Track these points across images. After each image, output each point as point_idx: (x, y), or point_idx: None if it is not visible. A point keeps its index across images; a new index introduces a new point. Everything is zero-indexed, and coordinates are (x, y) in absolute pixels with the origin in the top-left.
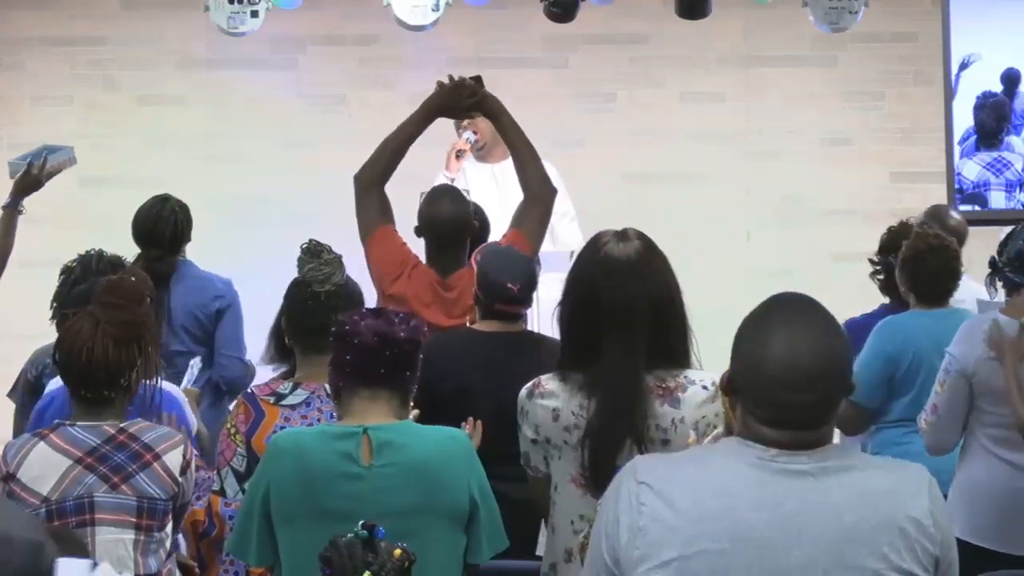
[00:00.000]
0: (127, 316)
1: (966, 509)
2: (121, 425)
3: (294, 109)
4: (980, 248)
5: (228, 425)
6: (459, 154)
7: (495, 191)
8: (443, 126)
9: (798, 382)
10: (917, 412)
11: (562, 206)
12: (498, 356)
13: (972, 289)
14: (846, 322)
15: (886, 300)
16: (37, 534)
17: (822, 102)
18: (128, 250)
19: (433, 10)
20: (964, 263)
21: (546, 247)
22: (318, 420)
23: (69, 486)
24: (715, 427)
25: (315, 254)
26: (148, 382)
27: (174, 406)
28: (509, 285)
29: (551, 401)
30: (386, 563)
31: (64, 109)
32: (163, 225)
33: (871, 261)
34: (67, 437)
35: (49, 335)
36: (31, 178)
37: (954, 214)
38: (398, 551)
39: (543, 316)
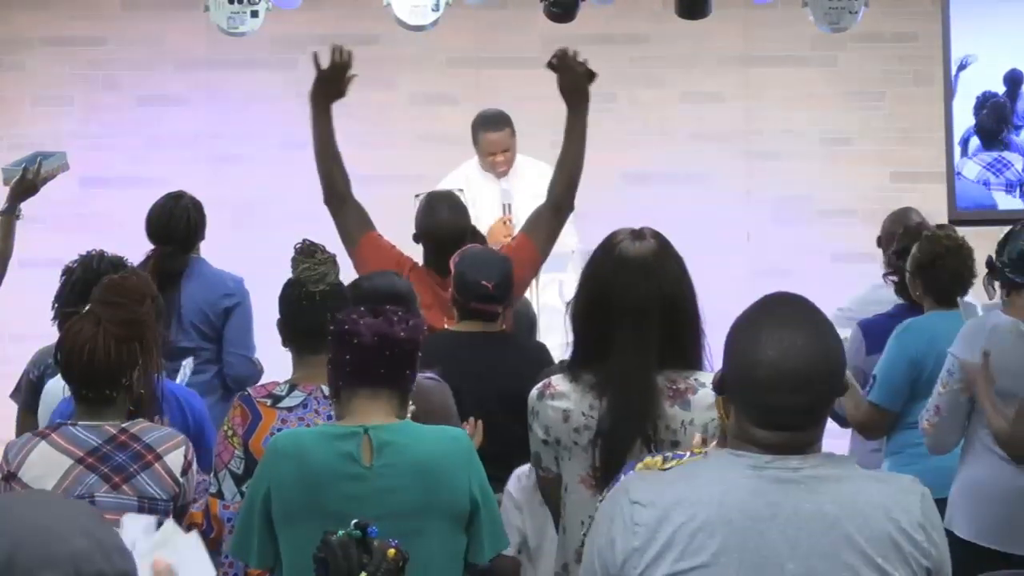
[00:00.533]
0: (128, 315)
1: (968, 509)
2: (122, 425)
3: (294, 109)
4: (980, 248)
5: (225, 427)
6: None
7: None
8: (438, 125)
9: (790, 383)
10: None
11: None
12: (478, 356)
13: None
14: (861, 322)
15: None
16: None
17: (822, 102)
18: (128, 250)
19: (433, 10)
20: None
21: None
22: (315, 422)
23: (70, 486)
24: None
25: (309, 254)
26: (149, 387)
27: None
28: (484, 283)
29: (562, 402)
30: (381, 564)
31: (64, 109)
32: (176, 222)
33: (889, 262)
34: (68, 437)
35: (50, 335)
36: (27, 183)
37: (915, 216)
38: (392, 551)
39: (543, 316)
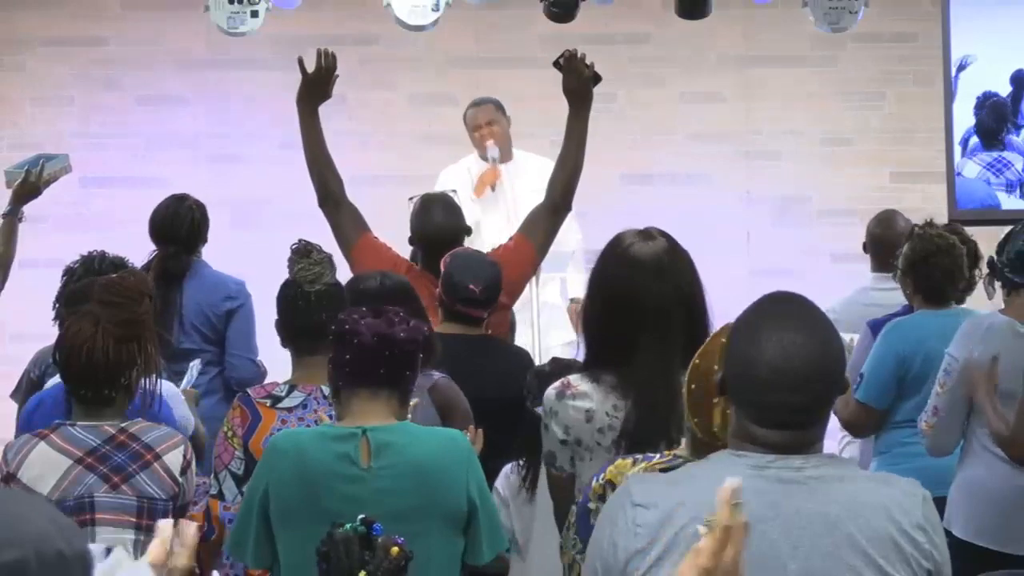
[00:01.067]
0: (127, 315)
1: (967, 509)
2: (121, 425)
3: (294, 109)
4: (980, 249)
5: (225, 428)
6: (494, 186)
7: (497, 191)
8: (438, 125)
9: (790, 382)
10: None
11: None
12: (461, 358)
13: None
14: (870, 322)
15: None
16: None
17: (822, 102)
18: (129, 250)
19: (433, 10)
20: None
21: None
22: (315, 422)
23: (69, 486)
24: None
25: (304, 254)
26: (149, 386)
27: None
28: (471, 286)
29: (584, 402)
30: (382, 562)
31: (64, 109)
32: (179, 223)
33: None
34: (67, 437)
35: (50, 335)
36: (29, 185)
37: (900, 220)
38: (395, 548)
39: (543, 316)
